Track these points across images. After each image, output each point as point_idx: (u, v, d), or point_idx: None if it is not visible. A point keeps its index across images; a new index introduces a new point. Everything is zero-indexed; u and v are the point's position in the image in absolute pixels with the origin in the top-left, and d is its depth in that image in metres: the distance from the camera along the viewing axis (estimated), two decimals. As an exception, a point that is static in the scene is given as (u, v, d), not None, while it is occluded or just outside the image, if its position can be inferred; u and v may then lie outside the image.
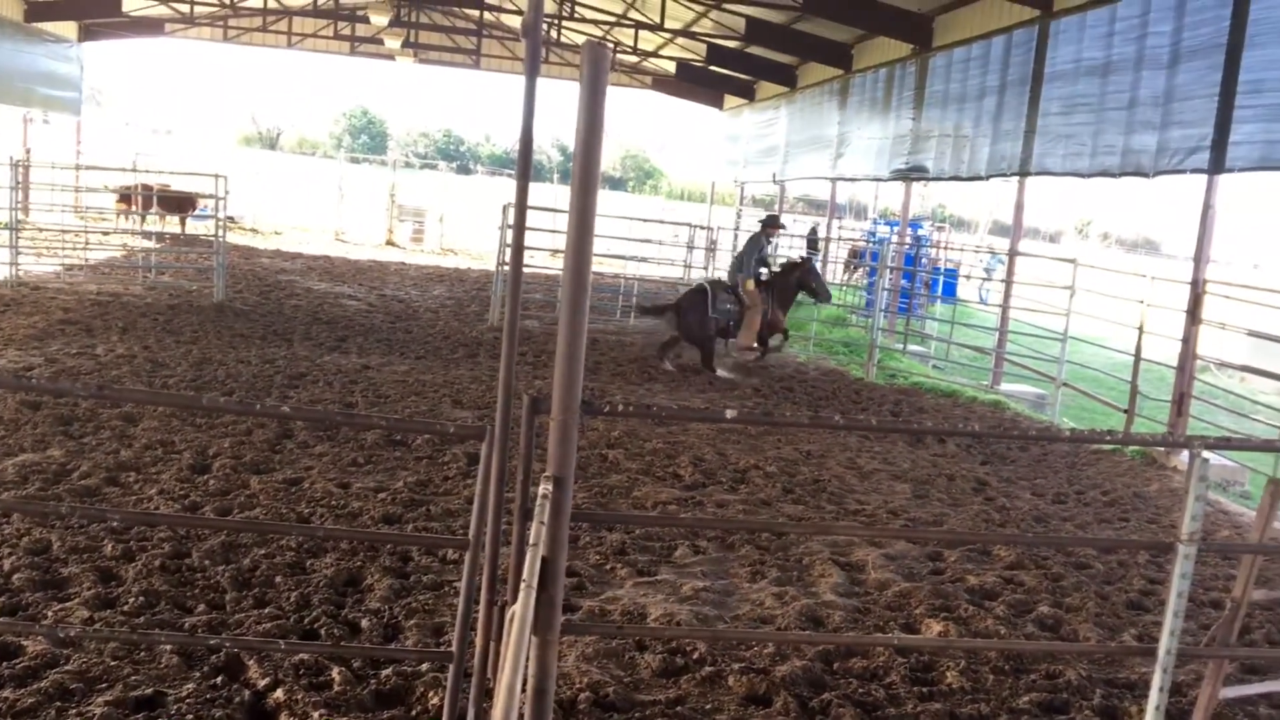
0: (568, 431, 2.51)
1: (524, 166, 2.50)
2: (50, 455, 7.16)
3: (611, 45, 28.56)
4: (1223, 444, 3.95)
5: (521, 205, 2.56)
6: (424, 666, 4.63)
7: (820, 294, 14.24)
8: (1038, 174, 13.47)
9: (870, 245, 24.55)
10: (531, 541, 2.10)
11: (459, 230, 30.60)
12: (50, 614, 4.86)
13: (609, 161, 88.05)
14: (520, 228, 2.60)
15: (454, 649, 2.93)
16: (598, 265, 24.23)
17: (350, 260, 23.93)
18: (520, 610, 1.76)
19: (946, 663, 5.24)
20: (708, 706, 4.66)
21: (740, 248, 15.07)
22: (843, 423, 2.82)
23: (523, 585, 1.88)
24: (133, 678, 4.33)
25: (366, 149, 74.45)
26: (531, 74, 2.41)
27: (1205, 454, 2.95)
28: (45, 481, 6.65)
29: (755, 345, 13.87)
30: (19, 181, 18.38)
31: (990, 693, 5.00)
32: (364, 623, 5.12)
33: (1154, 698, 3.14)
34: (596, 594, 5.81)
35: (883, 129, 18.86)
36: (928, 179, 17.29)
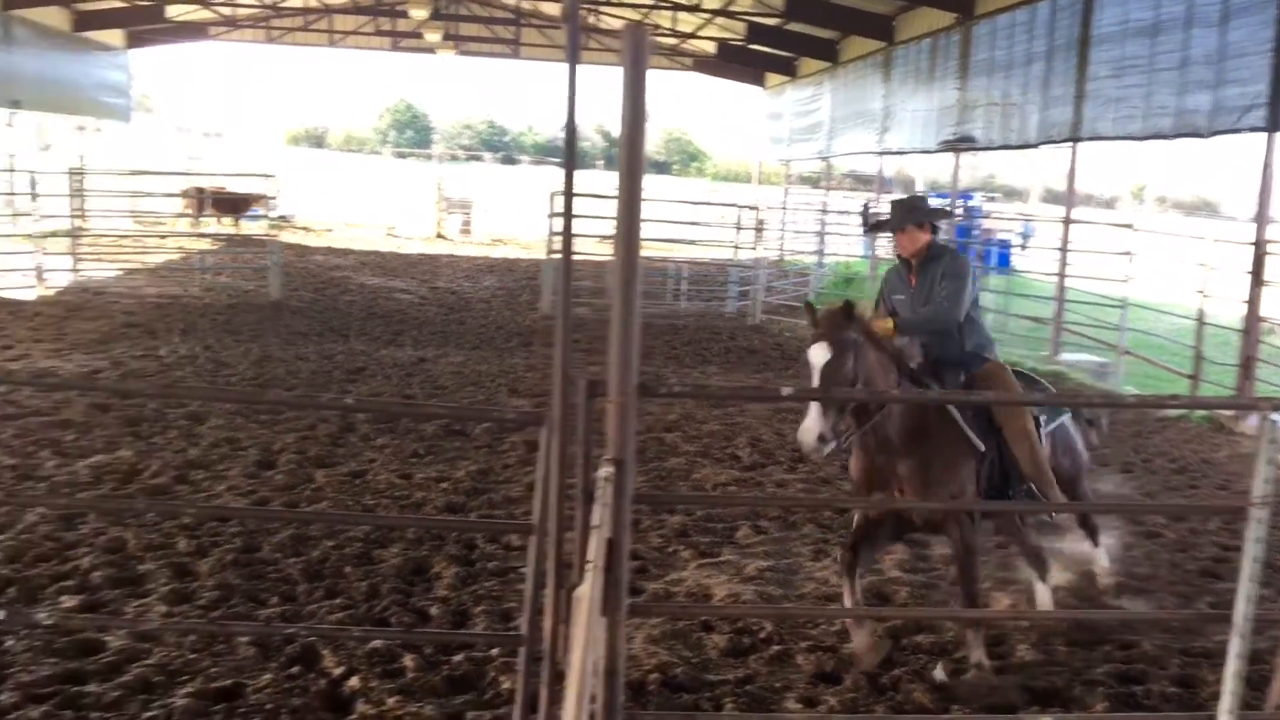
0: (626, 414, 2.52)
1: (570, 154, 2.51)
2: (121, 456, 7.31)
3: (650, 28, 28.46)
4: (1293, 404, 3.86)
5: (569, 192, 2.58)
6: (494, 651, 4.69)
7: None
8: (1089, 139, 13.24)
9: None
10: (595, 524, 2.12)
11: (506, 220, 30.72)
12: (129, 610, 4.98)
13: (652, 145, 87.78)
14: (569, 214, 2.62)
15: (524, 632, 2.96)
16: (645, 250, 24.12)
17: (401, 254, 24.14)
18: (588, 591, 1.78)
19: (1017, 635, 5.19)
20: (777, 685, 4.66)
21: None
22: (899, 396, 2.79)
23: (589, 567, 1.90)
24: (212, 669, 4.43)
25: (412, 143, 74.94)
26: (572, 60, 2.42)
27: (1274, 415, 2.90)
28: (118, 481, 6.81)
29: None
30: (77, 189, 18.76)
31: (1063, 665, 4.95)
32: (433, 610, 5.20)
33: (1231, 664, 3.09)
34: (660, 576, 5.84)
35: (928, 100, 18.62)
36: (976, 149, 17.06)
